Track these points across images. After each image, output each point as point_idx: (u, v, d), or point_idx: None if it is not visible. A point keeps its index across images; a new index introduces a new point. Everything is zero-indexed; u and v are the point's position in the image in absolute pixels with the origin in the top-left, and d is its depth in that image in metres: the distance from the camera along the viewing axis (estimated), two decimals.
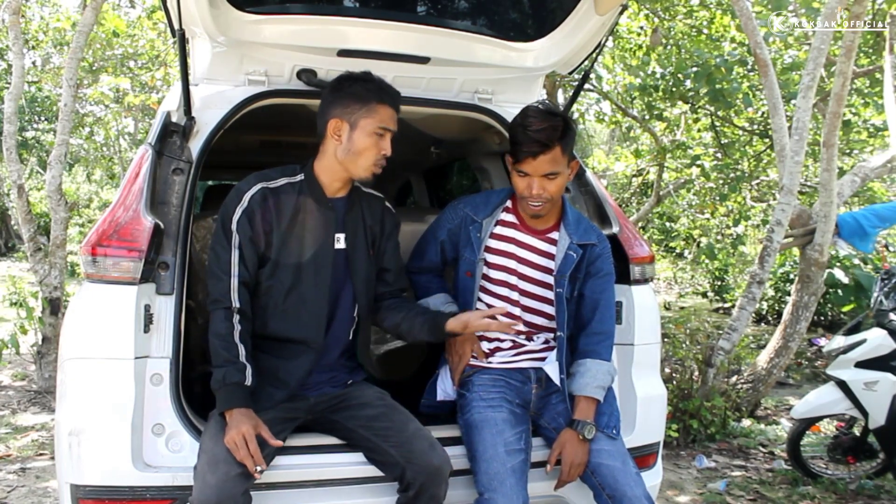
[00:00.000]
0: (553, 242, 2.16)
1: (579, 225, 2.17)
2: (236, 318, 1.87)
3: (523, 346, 2.21)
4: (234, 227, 1.89)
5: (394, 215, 2.17)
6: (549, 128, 1.98)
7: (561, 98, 7.66)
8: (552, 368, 2.12)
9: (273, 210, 1.93)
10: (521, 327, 2.20)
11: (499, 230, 2.19)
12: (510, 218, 2.20)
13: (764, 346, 4.93)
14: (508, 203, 2.22)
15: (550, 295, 2.15)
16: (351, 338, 2.10)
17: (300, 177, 2.00)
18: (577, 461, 1.98)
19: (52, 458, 3.45)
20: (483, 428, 1.98)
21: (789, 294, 5.11)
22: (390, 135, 1.96)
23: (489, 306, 2.20)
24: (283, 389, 1.94)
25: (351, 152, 1.93)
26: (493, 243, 2.18)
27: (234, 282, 1.88)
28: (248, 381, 1.83)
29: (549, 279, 2.15)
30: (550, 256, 2.16)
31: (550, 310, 2.17)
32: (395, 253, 2.17)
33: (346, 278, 2.03)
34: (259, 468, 1.73)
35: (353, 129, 1.92)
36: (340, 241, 2.01)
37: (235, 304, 1.87)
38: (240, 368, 1.82)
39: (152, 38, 8.38)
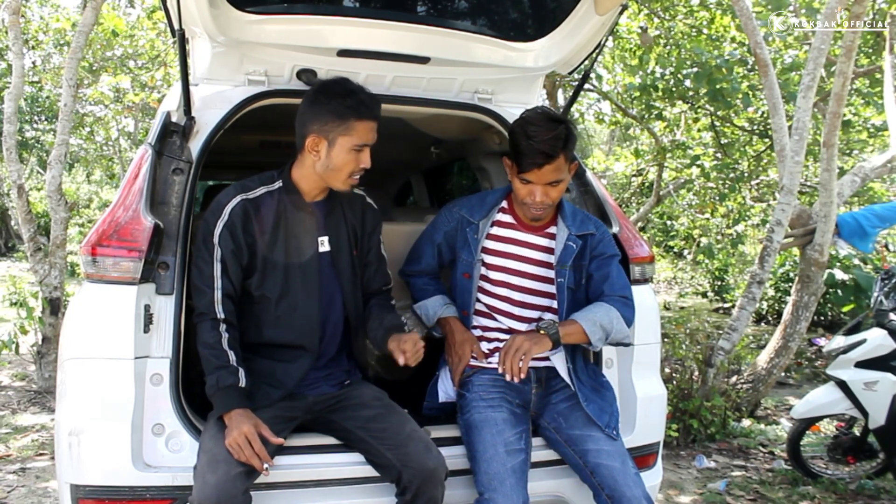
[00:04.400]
0: (551, 237, 2.16)
1: (576, 217, 2.17)
2: (223, 327, 1.87)
3: None
4: (216, 240, 1.89)
5: (376, 212, 2.16)
6: (554, 137, 1.97)
7: (561, 98, 7.66)
8: (559, 359, 2.12)
9: (255, 221, 1.93)
10: (523, 327, 2.20)
11: (495, 231, 2.19)
12: (507, 218, 2.20)
13: (764, 346, 4.93)
14: (504, 203, 2.22)
15: (552, 289, 2.15)
16: (345, 338, 2.10)
17: (278, 184, 1.99)
18: (515, 346, 1.91)
19: (52, 458, 3.45)
20: (483, 428, 1.98)
21: (789, 294, 5.11)
22: (369, 148, 1.94)
23: (488, 307, 2.20)
24: (280, 389, 1.94)
25: (329, 168, 1.92)
26: (491, 244, 2.18)
27: (218, 294, 1.88)
28: (243, 383, 1.83)
29: (551, 273, 2.15)
30: (550, 251, 2.15)
31: (554, 305, 2.16)
32: (378, 250, 2.17)
33: (334, 280, 2.04)
34: (267, 466, 1.73)
35: (332, 146, 1.90)
36: (324, 244, 2.02)
37: (220, 315, 1.88)
38: (232, 371, 1.83)
39: (152, 38, 8.38)
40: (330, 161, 1.91)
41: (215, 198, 1.96)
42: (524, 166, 2.00)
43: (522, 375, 1.91)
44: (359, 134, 1.90)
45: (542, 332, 1.97)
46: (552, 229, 2.17)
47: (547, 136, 1.96)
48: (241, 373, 1.84)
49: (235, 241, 1.90)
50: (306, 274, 1.97)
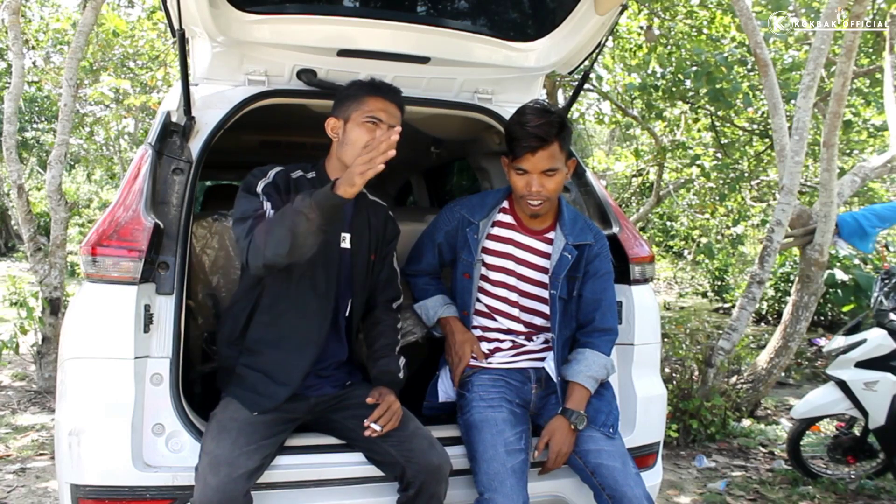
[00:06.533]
0: (549, 242, 2.16)
1: (575, 224, 2.17)
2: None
3: (523, 346, 2.21)
4: (259, 190, 1.91)
5: (395, 224, 2.19)
6: (547, 123, 1.99)
7: (561, 98, 7.66)
8: (552, 367, 2.13)
9: (292, 193, 1.94)
10: (521, 328, 2.20)
11: (496, 231, 2.19)
12: (507, 219, 2.20)
13: (764, 346, 4.93)
14: (505, 204, 2.22)
15: (547, 294, 2.15)
16: (347, 339, 2.10)
17: (312, 174, 2.04)
18: (564, 450, 2.00)
19: (52, 458, 3.44)
20: (483, 428, 1.99)
21: (789, 294, 5.11)
22: (385, 126, 1.93)
23: (488, 307, 2.20)
24: (286, 387, 1.92)
25: (344, 145, 1.96)
26: (491, 244, 2.18)
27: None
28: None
29: (546, 279, 2.15)
30: (548, 256, 2.16)
31: (547, 311, 2.16)
32: (391, 261, 2.19)
33: (348, 279, 2.04)
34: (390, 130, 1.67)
35: (347, 122, 1.97)
36: (346, 241, 2.03)
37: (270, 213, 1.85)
38: (305, 194, 1.74)
39: (152, 38, 8.38)
40: (345, 138, 1.96)
41: (255, 168, 1.97)
42: (518, 152, 2.01)
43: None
44: (368, 107, 1.94)
45: (572, 427, 2.01)
46: (551, 234, 2.17)
47: (540, 121, 1.99)
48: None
49: (280, 197, 1.90)
50: (326, 265, 1.98)
